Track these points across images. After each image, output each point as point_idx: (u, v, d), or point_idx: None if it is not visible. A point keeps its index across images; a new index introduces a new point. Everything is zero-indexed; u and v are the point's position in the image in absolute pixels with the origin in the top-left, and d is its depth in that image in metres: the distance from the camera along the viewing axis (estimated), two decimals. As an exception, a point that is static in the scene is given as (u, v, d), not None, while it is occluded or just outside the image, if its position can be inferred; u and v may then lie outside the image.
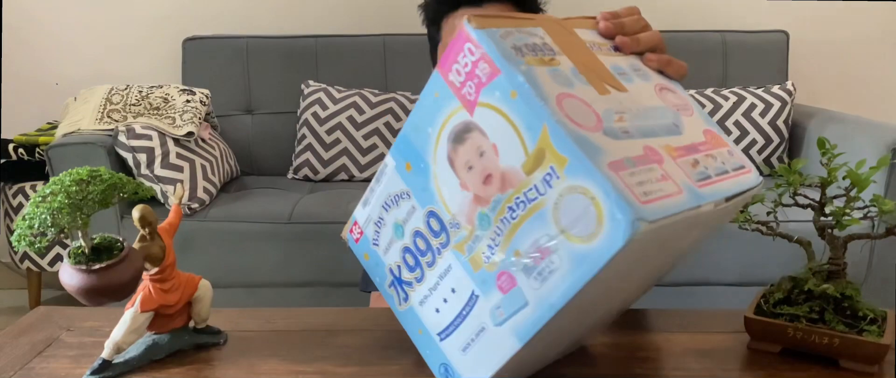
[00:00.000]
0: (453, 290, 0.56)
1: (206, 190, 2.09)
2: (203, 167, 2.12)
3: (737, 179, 0.54)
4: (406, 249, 0.59)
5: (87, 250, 0.62)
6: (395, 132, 2.37)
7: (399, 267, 0.60)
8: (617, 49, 0.60)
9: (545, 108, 0.47)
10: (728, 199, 0.52)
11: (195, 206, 2.04)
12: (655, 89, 0.58)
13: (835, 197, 0.69)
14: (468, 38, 0.50)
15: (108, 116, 2.18)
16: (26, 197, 2.29)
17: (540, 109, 0.47)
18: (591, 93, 0.51)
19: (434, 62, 1.14)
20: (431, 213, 0.56)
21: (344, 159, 2.37)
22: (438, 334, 0.58)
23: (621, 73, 0.56)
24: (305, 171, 2.39)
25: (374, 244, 0.62)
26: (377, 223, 0.61)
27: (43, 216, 0.59)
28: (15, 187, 2.29)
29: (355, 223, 0.63)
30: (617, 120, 0.50)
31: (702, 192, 0.50)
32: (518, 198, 0.50)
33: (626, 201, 0.44)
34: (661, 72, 0.62)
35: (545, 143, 0.47)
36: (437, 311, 0.58)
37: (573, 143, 0.46)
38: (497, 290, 0.53)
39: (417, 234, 0.58)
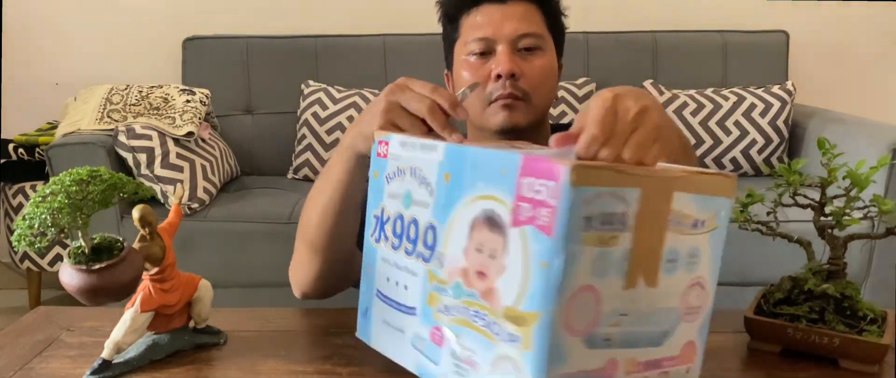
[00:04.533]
0: (406, 288, 0.59)
1: (206, 190, 2.09)
2: (203, 167, 2.12)
3: None
4: (400, 218, 0.60)
5: (87, 250, 0.62)
6: (395, 132, 2.36)
7: (389, 217, 0.61)
8: (695, 226, 0.54)
9: (553, 304, 0.46)
10: None
11: (195, 206, 2.04)
12: (688, 285, 0.55)
13: (835, 197, 0.69)
14: (559, 178, 0.45)
15: (108, 116, 2.18)
16: (26, 197, 2.29)
17: (549, 301, 0.47)
18: (615, 286, 0.49)
19: (448, 63, 1.02)
20: (433, 228, 0.56)
21: (344, 159, 2.37)
22: (379, 292, 0.63)
23: (672, 261, 0.52)
24: (305, 171, 2.39)
25: (387, 176, 0.62)
26: (401, 168, 0.60)
27: (43, 216, 0.59)
28: (15, 187, 2.28)
29: (387, 143, 0.62)
30: (612, 323, 0.49)
31: None
32: (485, 314, 0.51)
33: None
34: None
35: (532, 320, 0.47)
36: (388, 279, 0.61)
37: (546, 345, 0.47)
38: (428, 334, 0.57)
39: (414, 222, 0.58)
